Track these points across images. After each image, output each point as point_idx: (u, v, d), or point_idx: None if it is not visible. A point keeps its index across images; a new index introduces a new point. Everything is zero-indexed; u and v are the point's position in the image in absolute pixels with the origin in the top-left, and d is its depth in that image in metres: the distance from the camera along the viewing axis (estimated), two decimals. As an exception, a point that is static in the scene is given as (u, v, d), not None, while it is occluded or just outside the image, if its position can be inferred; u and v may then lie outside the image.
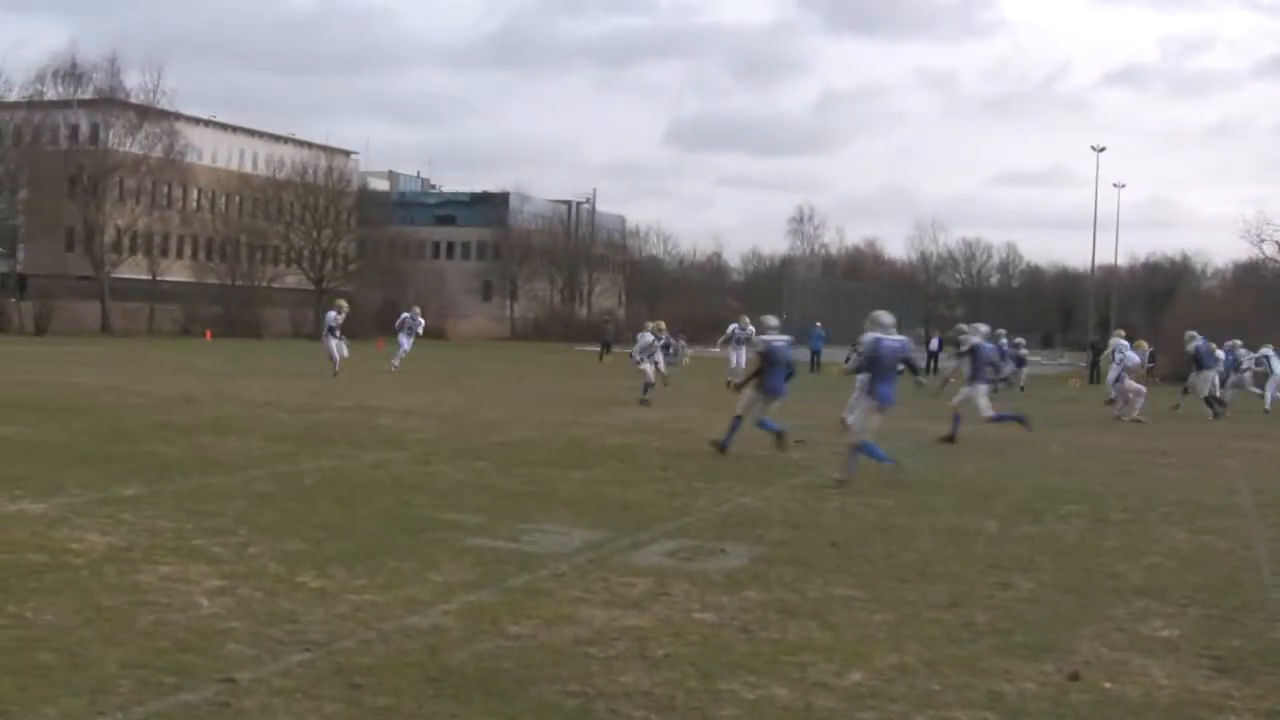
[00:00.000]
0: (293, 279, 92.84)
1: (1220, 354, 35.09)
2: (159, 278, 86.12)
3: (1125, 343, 30.98)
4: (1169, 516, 14.56)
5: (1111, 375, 30.87)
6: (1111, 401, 30.84)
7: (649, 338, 31.46)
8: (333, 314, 36.27)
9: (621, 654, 7.69)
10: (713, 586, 9.69)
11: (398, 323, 40.97)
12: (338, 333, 35.68)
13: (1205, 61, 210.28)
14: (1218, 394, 32.38)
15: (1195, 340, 31.70)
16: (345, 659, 7.33)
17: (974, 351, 22.64)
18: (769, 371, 19.27)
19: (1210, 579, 10.89)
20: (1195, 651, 8.31)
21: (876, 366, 16.39)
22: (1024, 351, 45.06)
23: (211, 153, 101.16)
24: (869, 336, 16.59)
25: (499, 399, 30.45)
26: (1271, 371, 36.22)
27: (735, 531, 12.33)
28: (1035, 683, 7.44)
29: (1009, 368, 40.64)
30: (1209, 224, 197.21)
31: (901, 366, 17.44)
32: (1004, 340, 41.46)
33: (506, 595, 9.12)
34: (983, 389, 22.50)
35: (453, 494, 14.16)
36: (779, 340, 19.54)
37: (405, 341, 39.93)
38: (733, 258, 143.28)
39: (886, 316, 16.66)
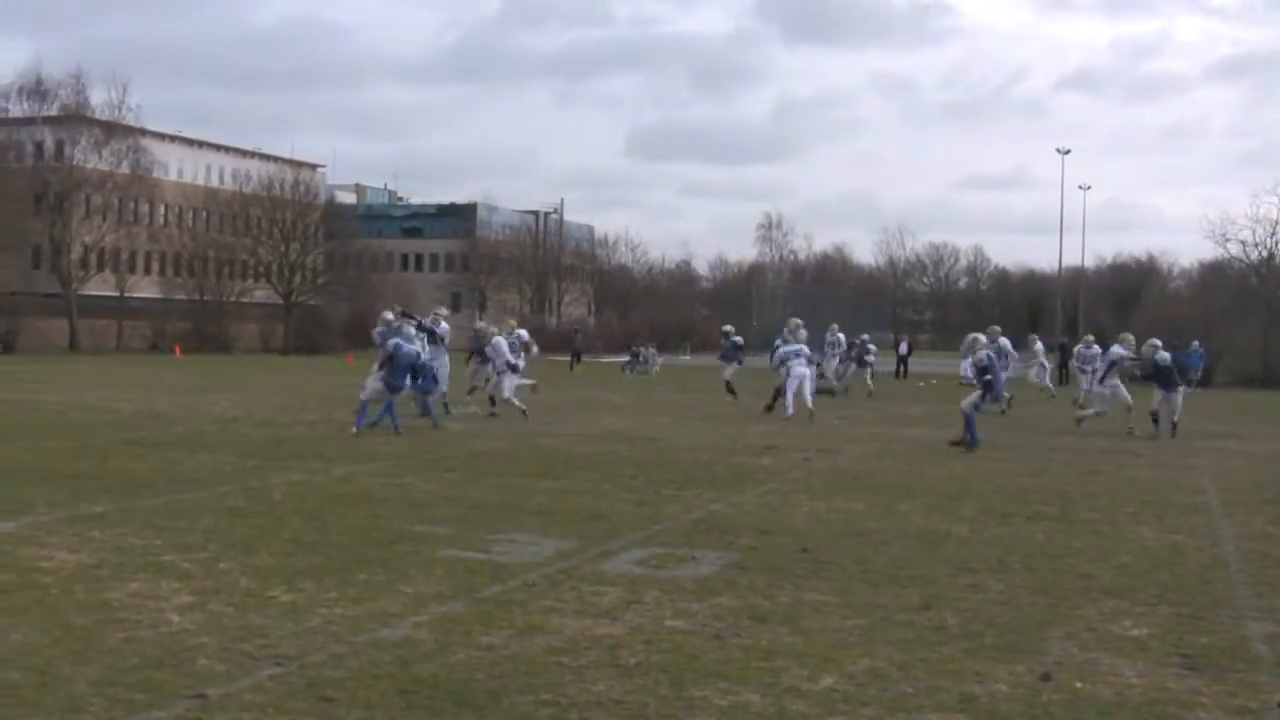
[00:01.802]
0: (261, 293, 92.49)
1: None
2: (127, 294, 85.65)
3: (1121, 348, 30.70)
4: (1138, 516, 14.62)
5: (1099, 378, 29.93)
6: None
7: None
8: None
9: (593, 663, 7.68)
10: (684, 594, 9.69)
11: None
12: None
13: (1158, 65, 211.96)
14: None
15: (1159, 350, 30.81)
16: (317, 673, 7.32)
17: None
18: None
19: (1179, 578, 10.93)
20: (1165, 650, 8.34)
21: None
22: (870, 354, 43.32)
23: (178, 168, 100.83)
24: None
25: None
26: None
27: (706, 538, 12.33)
28: (1007, 684, 7.46)
29: (835, 365, 40.55)
30: (1172, 225, 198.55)
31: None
32: (839, 335, 41.55)
33: (478, 606, 9.11)
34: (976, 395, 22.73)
35: (423, 506, 14.14)
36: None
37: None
38: (701, 265, 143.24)
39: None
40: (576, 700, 6.95)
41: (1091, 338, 39.52)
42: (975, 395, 22.75)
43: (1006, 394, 28.23)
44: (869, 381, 41.59)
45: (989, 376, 22.76)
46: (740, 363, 36.30)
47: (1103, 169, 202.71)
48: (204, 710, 6.63)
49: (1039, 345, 43.66)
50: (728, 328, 38.13)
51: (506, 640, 8.15)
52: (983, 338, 25.80)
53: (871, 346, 43.54)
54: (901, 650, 8.14)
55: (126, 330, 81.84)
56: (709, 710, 6.85)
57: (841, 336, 41.96)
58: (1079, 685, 7.46)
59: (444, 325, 26.79)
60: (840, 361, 41.18)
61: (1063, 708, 7.05)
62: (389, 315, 27.57)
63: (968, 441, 22.19)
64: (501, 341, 26.92)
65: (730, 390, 34.15)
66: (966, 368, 25.70)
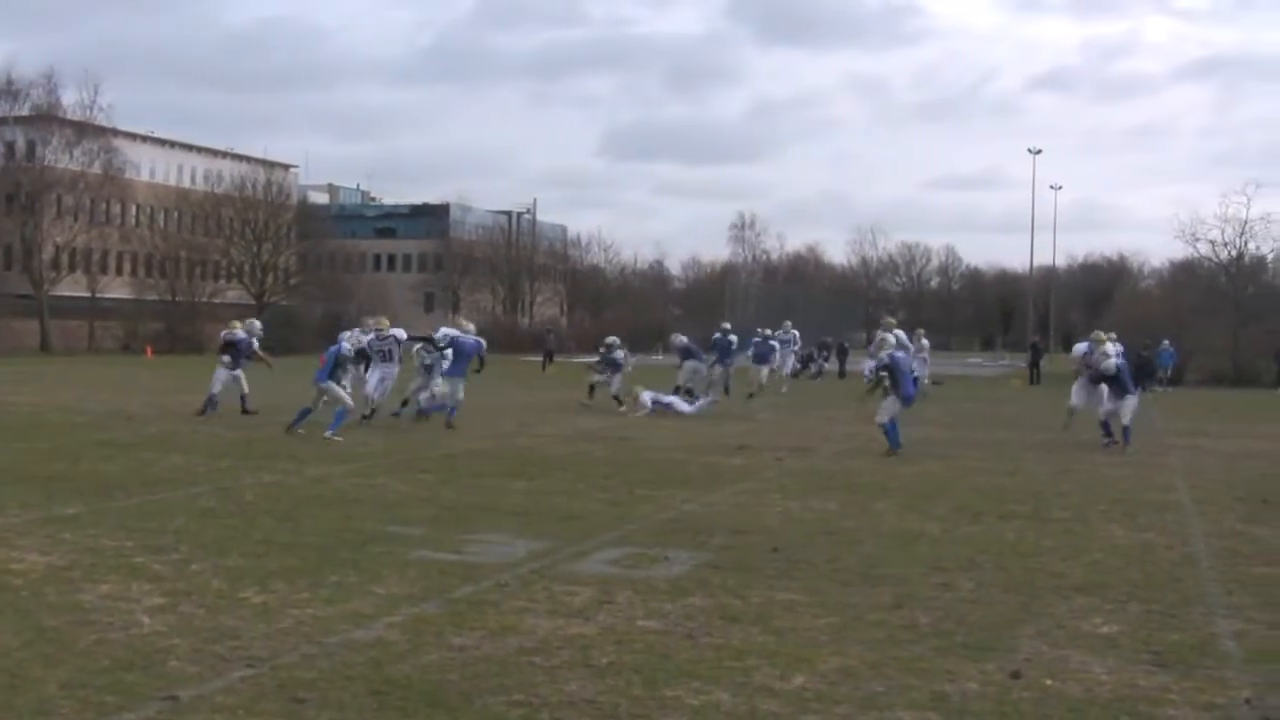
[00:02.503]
0: (233, 294, 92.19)
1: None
2: (98, 295, 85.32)
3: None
4: (1109, 514, 14.68)
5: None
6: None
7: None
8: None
9: (566, 663, 7.69)
10: (656, 594, 9.71)
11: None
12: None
13: (1128, 65, 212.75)
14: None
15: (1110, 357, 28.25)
16: (288, 674, 7.31)
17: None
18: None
19: (1150, 575, 10.98)
20: (1135, 647, 8.38)
21: None
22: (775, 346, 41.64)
23: (150, 168, 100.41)
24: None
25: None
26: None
27: (678, 538, 12.35)
28: (978, 682, 7.49)
29: (791, 362, 40.26)
30: (1143, 224, 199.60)
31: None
32: (794, 333, 41.34)
33: (450, 607, 9.11)
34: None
35: (396, 507, 14.13)
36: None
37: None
38: (674, 265, 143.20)
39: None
40: (549, 700, 6.95)
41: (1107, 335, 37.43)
42: (888, 402, 22.21)
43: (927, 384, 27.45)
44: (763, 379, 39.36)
45: (885, 375, 22.42)
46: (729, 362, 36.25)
47: (1074, 169, 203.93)
48: (175, 712, 6.63)
49: (924, 341, 41.92)
50: (726, 325, 37.80)
51: (479, 641, 8.15)
52: (891, 337, 25.76)
53: (774, 344, 40.88)
54: (873, 649, 8.17)
55: (98, 331, 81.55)
56: (681, 710, 6.87)
57: (796, 334, 41.95)
58: (1049, 682, 7.50)
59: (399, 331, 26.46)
60: (796, 359, 41.02)
61: (1033, 705, 7.08)
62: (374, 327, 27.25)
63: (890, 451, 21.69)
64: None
65: (728, 390, 34.46)
66: (870, 368, 25.22)
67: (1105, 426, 22.87)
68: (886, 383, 21.77)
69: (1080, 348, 24.81)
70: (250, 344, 27.81)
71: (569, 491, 15.75)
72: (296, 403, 23.10)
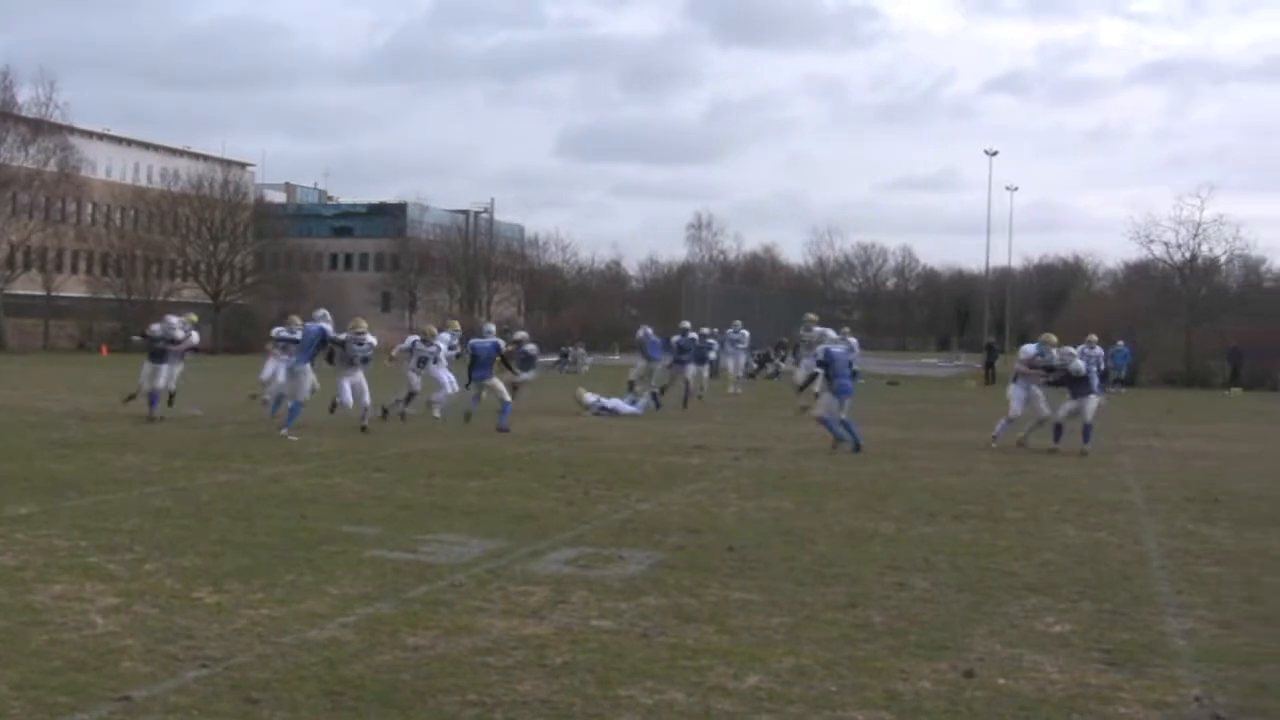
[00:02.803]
0: (189, 292, 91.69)
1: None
2: (54, 293, 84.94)
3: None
4: (1062, 514, 14.76)
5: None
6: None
7: (411, 340, 28.39)
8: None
9: (520, 663, 7.70)
10: (611, 593, 9.72)
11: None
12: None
13: (1083, 68, 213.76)
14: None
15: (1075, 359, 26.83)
16: (242, 674, 7.29)
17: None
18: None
19: (1102, 574, 11.06)
20: (1087, 645, 8.44)
21: None
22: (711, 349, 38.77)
23: (106, 167, 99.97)
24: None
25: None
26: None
27: (633, 538, 12.37)
28: (931, 681, 7.52)
29: (742, 360, 39.70)
30: (1098, 226, 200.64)
31: None
32: (743, 332, 40.98)
33: (405, 607, 9.10)
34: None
35: (351, 506, 14.10)
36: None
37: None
38: (631, 265, 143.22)
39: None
40: (502, 700, 6.96)
41: (1094, 338, 35.17)
42: (825, 398, 22.43)
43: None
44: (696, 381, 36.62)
45: (818, 371, 22.57)
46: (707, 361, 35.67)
47: (1030, 170, 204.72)
48: (128, 713, 6.60)
49: (852, 340, 40.39)
50: (685, 323, 36.46)
51: (433, 640, 8.15)
52: (831, 332, 25.87)
53: (711, 342, 38.77)
54: (827, 648, 8.20)
55: (53, 330, 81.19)
56: (635, 709, 6.88)
57: (745, 334, 41.46)
58: (1002, 681, 7.54)
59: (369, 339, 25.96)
60: (752, 359, 40.45)
61: (985, 704, 7.12)
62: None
63: (836, 442, 21.93)
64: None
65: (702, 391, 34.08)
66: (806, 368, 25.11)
67: (1058, 429, 22.80)
68: (820, 380, 22.51)
69: (1029, 349, 24.40)
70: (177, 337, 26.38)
71: (524, 491, 15.74)
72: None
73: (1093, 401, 22.69)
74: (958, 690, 7.35)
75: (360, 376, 23.79)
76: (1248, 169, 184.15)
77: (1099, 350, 32.54)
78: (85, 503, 13.87)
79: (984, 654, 8.16)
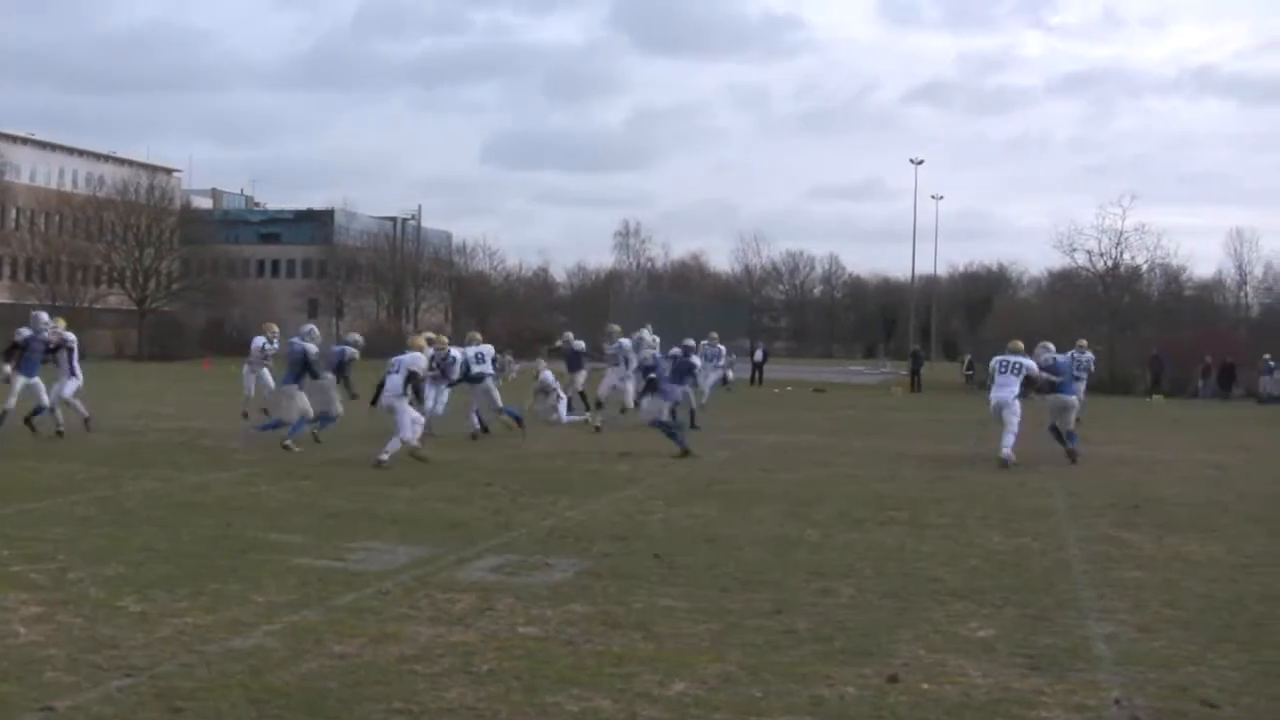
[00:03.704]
0: (115, 299, 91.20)
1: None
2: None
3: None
4: (987, 521, 14.87)
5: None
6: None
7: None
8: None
9: (446, 670, 7.68)
10: (537, 600, 9.72)
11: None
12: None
13: (1004, 79, 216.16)
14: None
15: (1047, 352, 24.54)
16: (167, 683, 7.24)
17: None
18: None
19: (1025, 580, 11.15)
20: (1010, 650, 8.51)
21: None
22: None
23: (30, 171, 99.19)
24: None
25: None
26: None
27: (560, 545, 12.36)
28: (855, 686, 7.56)
29: (714, 377, 39.54)
30: (1022, 234, 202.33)
31: None
32: (720, 347, 40.70)
33: (331, 614, 9.07)
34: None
35: (277, 514, 14.03)
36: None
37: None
38: (559, 272, 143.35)
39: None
40: (429, 708, 6.95)
41: (1084, 342, 33.58)
42: (658, 405, 22.58)
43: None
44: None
45: (653, 375, 22.70)
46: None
47: (955, 179, 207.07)
48: (50, 722, 6.55)
49: (720, 347, 39.74)
50: (614, 326, 33.21)
51: (359, 648, 8.12)
52: (627, 341, 26.13)
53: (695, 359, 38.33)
54: (752, 654, 8.23)
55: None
56: (561, 716, 6.88)
57: (722, 348, 40.12)
58: (926, 686, 7.59)
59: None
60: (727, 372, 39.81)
61: (910, 708, 7.17)
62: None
63: (682, 449, 21.85)
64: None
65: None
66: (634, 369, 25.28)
67: (1055, 432, 22.97)
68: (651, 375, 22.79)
69: (1034, 365, 23.38)
70: (41, 344, 24.82)
71: (451, 499, 15.71)
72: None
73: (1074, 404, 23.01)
74: (882, 695, 7.40)
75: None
76: (1165, 180, 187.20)
77: (1089, 355, 31.98)
78: (8, 511, 13.72)
79: (908, 659, 8.21)
